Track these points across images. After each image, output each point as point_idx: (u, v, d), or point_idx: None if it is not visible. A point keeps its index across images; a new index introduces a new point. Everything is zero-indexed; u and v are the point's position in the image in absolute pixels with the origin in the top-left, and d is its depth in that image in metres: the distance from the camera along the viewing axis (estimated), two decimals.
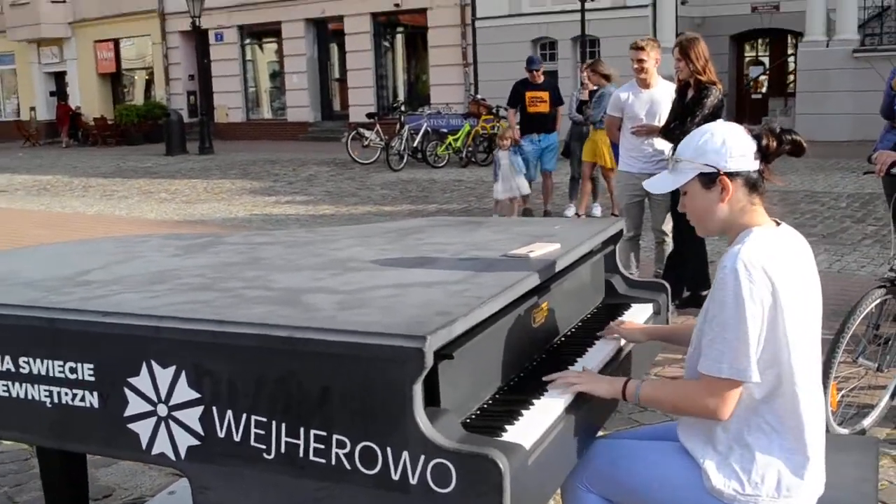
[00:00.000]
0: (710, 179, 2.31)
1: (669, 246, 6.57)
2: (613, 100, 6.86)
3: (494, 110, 19.49)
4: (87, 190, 17.20)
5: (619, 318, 2.98)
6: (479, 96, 21.45)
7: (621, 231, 3.37)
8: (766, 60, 24.98)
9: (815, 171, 14.56)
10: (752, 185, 2.31)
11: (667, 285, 3.39)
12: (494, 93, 22.32)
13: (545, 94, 10.95)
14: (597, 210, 11.36)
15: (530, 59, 11.27)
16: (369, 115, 22.72)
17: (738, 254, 2.19)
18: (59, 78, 35.91)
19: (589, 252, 3.04)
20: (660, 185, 2.43)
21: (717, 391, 2.21)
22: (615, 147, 7.13)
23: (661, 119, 6.43)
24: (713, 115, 5.82)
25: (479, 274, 2.49)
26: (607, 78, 10.44)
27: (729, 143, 2.28)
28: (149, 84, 34.02)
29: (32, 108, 35.67)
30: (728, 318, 2.17)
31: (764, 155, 2.30)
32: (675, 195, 2.44)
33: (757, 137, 2.29)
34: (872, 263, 7.86)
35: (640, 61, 6.54)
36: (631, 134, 6.55)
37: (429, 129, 19.18)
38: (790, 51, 23.65)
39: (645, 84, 6.62)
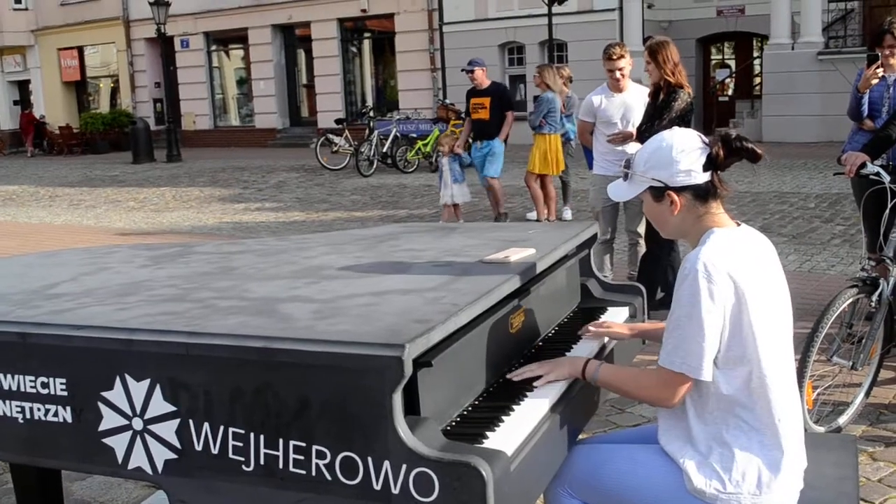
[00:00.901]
0: (659, 192, 2.36)
1: (643, 248, 6.60)
2: (586, 105, 6.86)
3: (463, 115, 19.45)
4: (53, 200, 17.01)
5: (600, 320, 2.97)
6: (447, 101, 21.43)
7: (595, 235, 3.37)
8: (732, 63, 25.20)
9: (783, 172, 14.70)
10: (703, 195, 2.33)
11: (642, 288, 3.39)
12: (462, 97, 22.32)
13: (486, 101, 10.60)
14: (567, 213, 11.39)
15: (469, 62, 10.94)
16: (338, 121, 22.69)
17: (698, 255, 2.23)
18: (23, 86, 35.52)
19: (564, 256, 3.03)
20: (618, 192, 2.48)
21: (669, 383, 2.26)
22: (588, 151, 7.11)
23: (634, 123, 6.46)
24: (681, 118, 5.86)
25: (456, 280, 2.47)
26: (550, 85, 10.59)
27: (676, 158, 2.31)
28: (114, 92, 33.74)
29: None
30: (683, 316, 2.22)
31: (714, 165, 2.32)
32: None
33: (708, 147, 2.32)
34: (842, 263, 7.94)
35: (620, 69, 6.56)
36: (607, 142, 6.55)
37: (398, 134, 19.17)
38: (756, 53, 23.87)
39: (618, 88, 6.64)
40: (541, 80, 10.68)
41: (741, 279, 2.20)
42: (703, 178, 2.32)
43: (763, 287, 2.26)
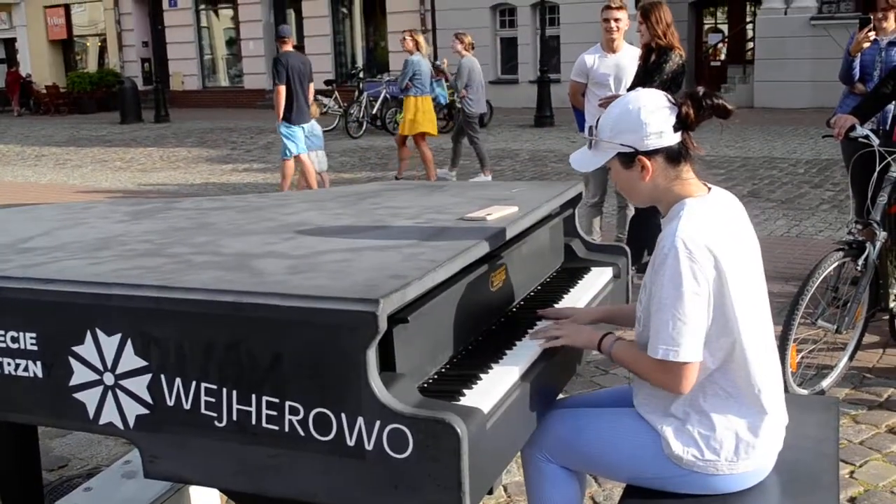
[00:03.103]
0: (629, 159, 2.25)
1: (632, 211, 6.56)
2: (578, 64, 6.76)
3: (451, 76, 19.35)
4: (39, 159, 16.86)
5: (559, 307, 2.74)
6: (437, 63, 21.27)
7: (580, 195, 3.33)
8: (724, 28, 25.04)
9: (774, 137, 14.65)
10: (675, 157, 2.24)
11: (627, 249, 3.36)
12: (453, 59, 22.15)
13: None
14: (447, 173, 11.67)
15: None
16: (327, 83, 22.49)
17: (676, 231, 2.14)
18: (9, 45, 35.09)
19: (547, 215, 2.99)
20: (582, 162, 2.37)
21: (668, 370, 2.18)
22: (578, 113, 7.01)
23: (626, 85, 6.38)
24: (672, 81, 5.79)
25: (435, 237, 2.43)
26: (418, 47, 11.00)
27: (645, 120, 2.20)
28: (102, 51, 33.36)
29: None
30: (665, 299, 2.13)
31: (684, 124, 2.22)
32: None
33: (676, 107, 2.22)
34: (830, 228, 7.93)
35: (616, 20, 6.47)
36: (598, 106, 6.46)
37: (388, 95, 18.98)
38: (749, 18, 23.72)
39: (611, 48, 6.55)
40: (413, 41, 11.05)
41: (720, 252, 2.13)
42: (674, 139, 2.22)
43: (740, 255, 2.20)
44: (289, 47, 10.27)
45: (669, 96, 2.26)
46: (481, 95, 11.66)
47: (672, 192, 2.26)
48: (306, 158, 10.34)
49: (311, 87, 10.37)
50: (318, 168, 10.73)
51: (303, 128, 10.21)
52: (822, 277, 4.10)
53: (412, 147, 11.64)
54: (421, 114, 11.05)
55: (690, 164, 2.27)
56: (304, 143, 10.27)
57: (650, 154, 2.22)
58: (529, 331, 2.48)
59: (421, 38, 11.22)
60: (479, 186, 3.49)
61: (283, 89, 9.94)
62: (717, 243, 2.14)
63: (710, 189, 2.30)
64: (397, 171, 11.65)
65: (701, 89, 2.25)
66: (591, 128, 2.35)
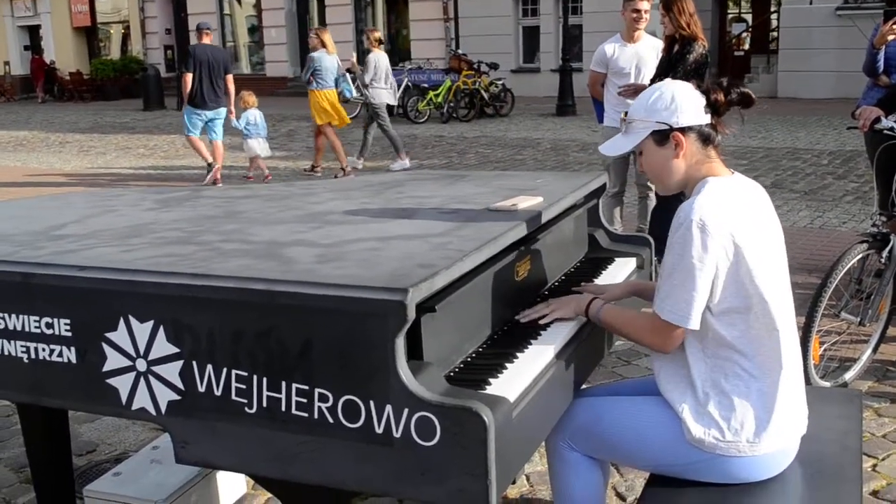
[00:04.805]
0: (663, 136, 2.35)
1: (653, 201, 6.55)
2: (598, 55, 6.75)
3: (476, 66, 19.35)
4: (63, 146, 16.99)
5: (594, 283, 2.88)
6: (460, 51, 21.27)
7: (604, 185, 3.34)
8: (748, 17, 24.87)
9: (798, 128, 14.56)
10: (706, 138, 2.35)
11: (650, 239, 3.37)
12: (475, 48, 22.19)
13: None
14: (356, 161, 12.48)
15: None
16: (349, 70, 22.49)
17: (693, 203, 2.23)
18: (34, 31, 35.32)
19: (572, 206, 3.01)
20: (615, 147, 2.46)
21: (660, 330, 2.28)
22: (597, 104, 7.00)
23: (646, 75, 6.37)
24: (696, 71, 5.76)
25: (462, 227, 2.46)
26: (324, 44, 11.78)
27: (679, 100, 2.32)
28: (125, 38, 33.55)
29: (6, 63, 35.13)
30: (675, 264, 2.23)
31: (714, 108, 2.34)
32: None
33: (705, 92, 2.34)
34: (854, 220, 7.89)
35: (646, 11, 6.46)
36: (618, 94, 6.47)
37: (409, 84, 19.06)
38: (773, 8, 23.55)
39: (632, 38, 6.54)
40: (317, 39, 11.86)
41: (737, 229, 2.21)
42: (706, 119, 2.34)
43: (760, 234, 2.27)
44: (206, 40, 11.32)
45: (697, 83, 2.39)
46: (387, 87, 12.42)
47: (699, 171, 2.36)
48: (197, 140, 11.53)
49: (230, 78, 11.51)
50: (260, 153, 11.86)
51: (204, 113, 11.34)
52: (845, 269, 4.09)
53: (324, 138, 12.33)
54: (323, 106, 11.81)
55: (717, 150, 2.38)
56: (219, 128, 11.63)
57: (684, 131, 2.33)
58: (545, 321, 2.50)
59: (326, 37, 11.94)
60: (503, 177, 3.50)
61: (188, 77, 11.13)
62: (734, 220, 2.21)
63: (733, 174, 2.39)
64: (315, 161, 12.39)
65: (726, 79, 2.38)
66: (625, 114, 2.42)
